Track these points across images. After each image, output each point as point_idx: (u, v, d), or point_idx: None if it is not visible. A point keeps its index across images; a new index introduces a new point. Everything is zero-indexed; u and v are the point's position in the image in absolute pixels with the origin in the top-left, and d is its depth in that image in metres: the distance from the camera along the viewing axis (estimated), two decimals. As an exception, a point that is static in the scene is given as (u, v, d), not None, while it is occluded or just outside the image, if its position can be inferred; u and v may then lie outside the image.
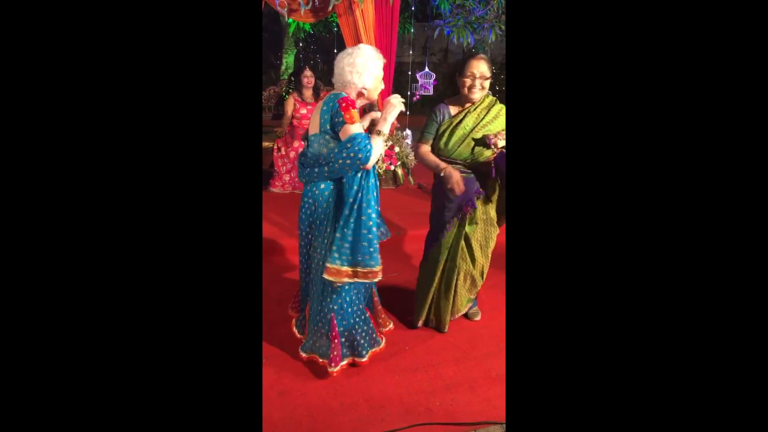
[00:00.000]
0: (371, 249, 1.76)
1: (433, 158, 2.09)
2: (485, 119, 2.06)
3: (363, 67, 1.75)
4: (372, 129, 1.81)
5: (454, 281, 2.20)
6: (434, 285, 2.20)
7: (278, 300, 2.50)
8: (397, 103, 1.78)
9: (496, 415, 1.75)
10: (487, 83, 2.04)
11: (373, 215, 1.77)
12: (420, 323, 2.29)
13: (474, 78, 2.00)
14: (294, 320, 2.18)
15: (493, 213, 2.20)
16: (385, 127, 1.77)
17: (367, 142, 1.69)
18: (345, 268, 1.77)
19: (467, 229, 2.15)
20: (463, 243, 2.16)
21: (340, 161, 1.70)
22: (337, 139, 1.74)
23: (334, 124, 1.72)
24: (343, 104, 1.69)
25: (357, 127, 1.70)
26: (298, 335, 2.11)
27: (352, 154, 1.67)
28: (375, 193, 1.81)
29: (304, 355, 1.99)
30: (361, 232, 1.75)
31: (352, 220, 1.75)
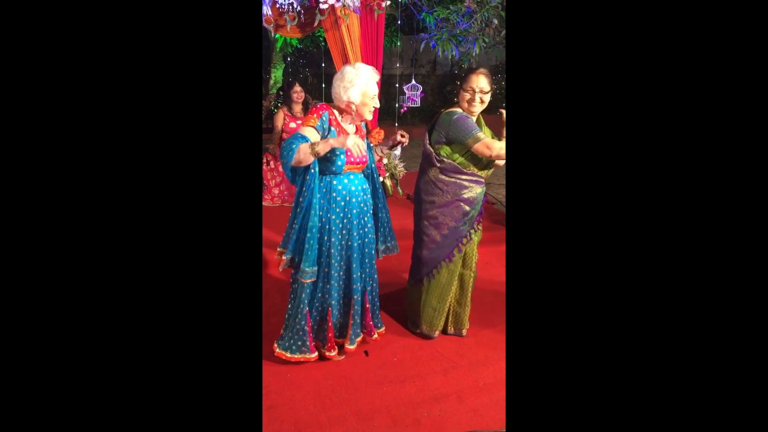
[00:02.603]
0: (309, 251, 1.85)
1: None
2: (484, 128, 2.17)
3: (350, 83, 1.78)
4: (316, 141, 1.80)
5: (469, 287, 2.26)
6: (451, 294, 2.24)
7: (266, 313, 2.50)
8: (350, 144, 1.75)
9: (484, 424, 1.76)
10: (486, 97, 2.07)
11: (311, 222, 1.84)
12: (437, 334, 2.30)
13: (474, 92, 2.05)
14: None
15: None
16: (321, 147, 1.75)
17: (294, 147, 1.72)
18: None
19: (476, 237, 2.22)
20: (471, 251, 2.23)
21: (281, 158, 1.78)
22: None
23: None
24: (312, 109, 1.80)
25: (304, 130, 1.77)
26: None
27: (283, 155, 1.74)
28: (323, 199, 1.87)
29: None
30: (304, 233, 1.86)
31: (296, 222, 1.86)
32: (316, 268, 1.90)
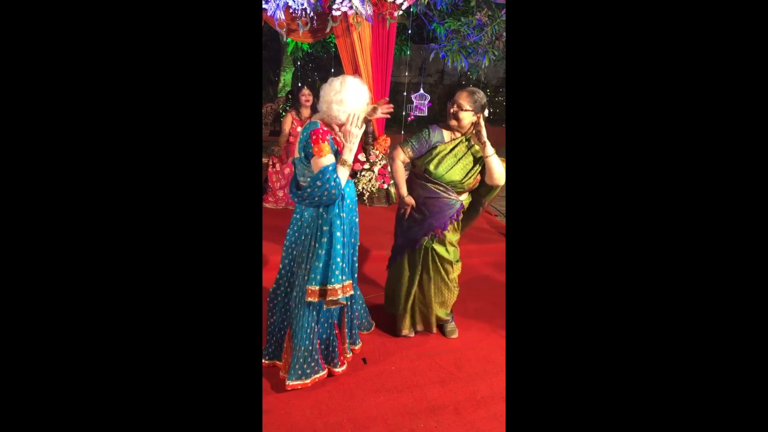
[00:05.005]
0: (338, 271, 1.86)
1: (402, 175, 2.23)
2: (472, 149, 2.17)
3: (347, 104, 1.79)
4: (338, 158, 1.82)
5: (431, 292, 2.30)
6: (412, 294, 2.30)
7: (266, 317, 2.50)
8: (356, 133, 1.78)
9: (480, 438, 1.75)
10: (463, 115, 2.08)
11: (342, 239, 1.87)
12: (405, 332, 2.36)
13: (452, 106, 2.12)
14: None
15: (457, 237, 2.30)
16: (350, 156, 1.80)
17: (335, 176, 1.74)
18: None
19: (437, 247, 2.24)
20: (435, 258, 2.26)
21: (316, 197, 1.77)
22: (311, 166, 1.81)
23: (307, 153, 1.79)
24: (314, 137, 1.74)
25: (326, 159, 1.75)
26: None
27: (325, 192, 1.75)
28: (344, 220, 1.87)
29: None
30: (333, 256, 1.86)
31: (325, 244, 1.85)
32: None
